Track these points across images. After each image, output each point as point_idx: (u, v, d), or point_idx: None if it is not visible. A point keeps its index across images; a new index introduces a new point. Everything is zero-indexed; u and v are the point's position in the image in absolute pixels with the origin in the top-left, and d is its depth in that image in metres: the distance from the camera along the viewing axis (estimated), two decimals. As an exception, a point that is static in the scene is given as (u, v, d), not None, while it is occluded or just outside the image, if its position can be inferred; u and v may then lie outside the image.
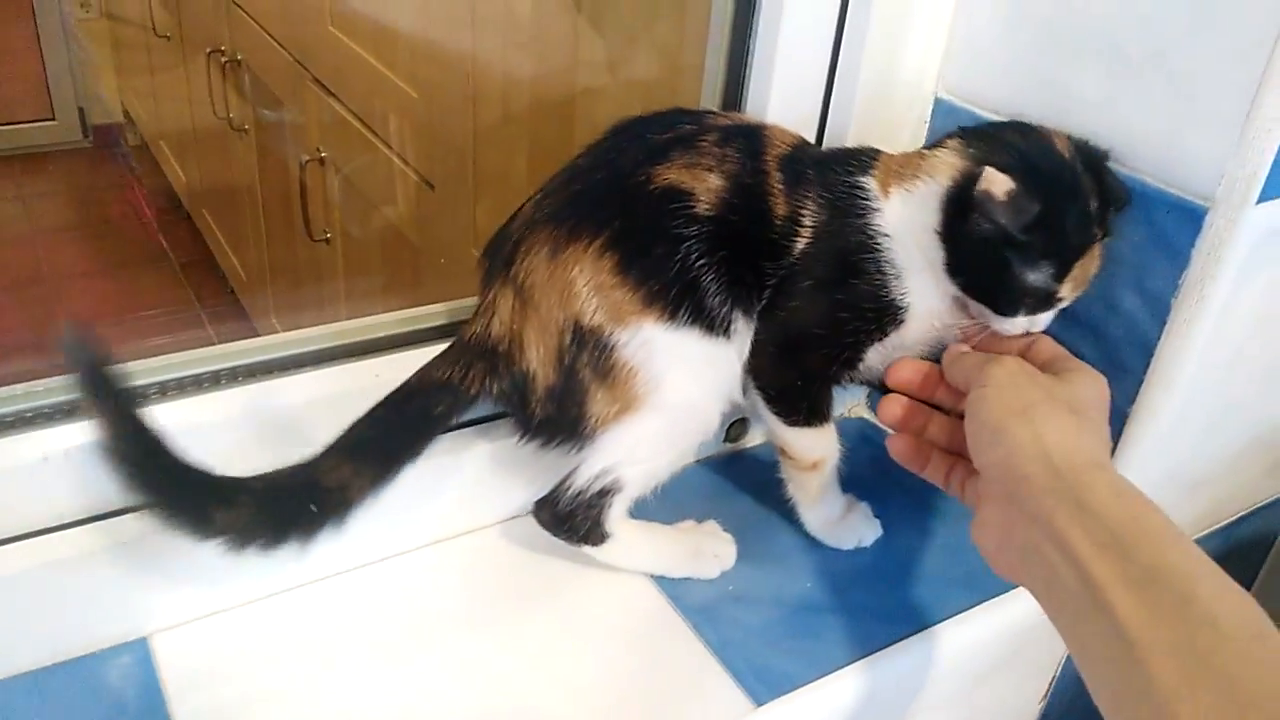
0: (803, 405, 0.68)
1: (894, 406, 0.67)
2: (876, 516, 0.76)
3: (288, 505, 0.59)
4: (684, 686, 0.63)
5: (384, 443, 0.62)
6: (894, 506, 0.77)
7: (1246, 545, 0.93)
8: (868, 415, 0.89)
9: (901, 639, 0.67)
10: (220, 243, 2.47)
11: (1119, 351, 0.67)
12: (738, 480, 0.81)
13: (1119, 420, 0.68)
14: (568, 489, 0.66)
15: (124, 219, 2.85)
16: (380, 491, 0.62)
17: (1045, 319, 0.63)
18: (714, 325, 0.64)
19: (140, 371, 0.65)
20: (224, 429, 0.64)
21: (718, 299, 0.63)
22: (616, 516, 0.68)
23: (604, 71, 1.07)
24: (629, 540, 0.69)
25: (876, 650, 0.66)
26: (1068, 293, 0.62)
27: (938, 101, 0.77)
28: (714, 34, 0.77)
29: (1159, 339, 0.65)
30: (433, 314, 0.75)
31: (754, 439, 0.85)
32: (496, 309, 0.65)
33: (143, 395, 0.65)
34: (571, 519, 0.67)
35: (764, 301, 0.66)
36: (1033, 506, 0.52)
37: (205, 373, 0.67)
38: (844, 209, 0.64)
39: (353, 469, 0.61)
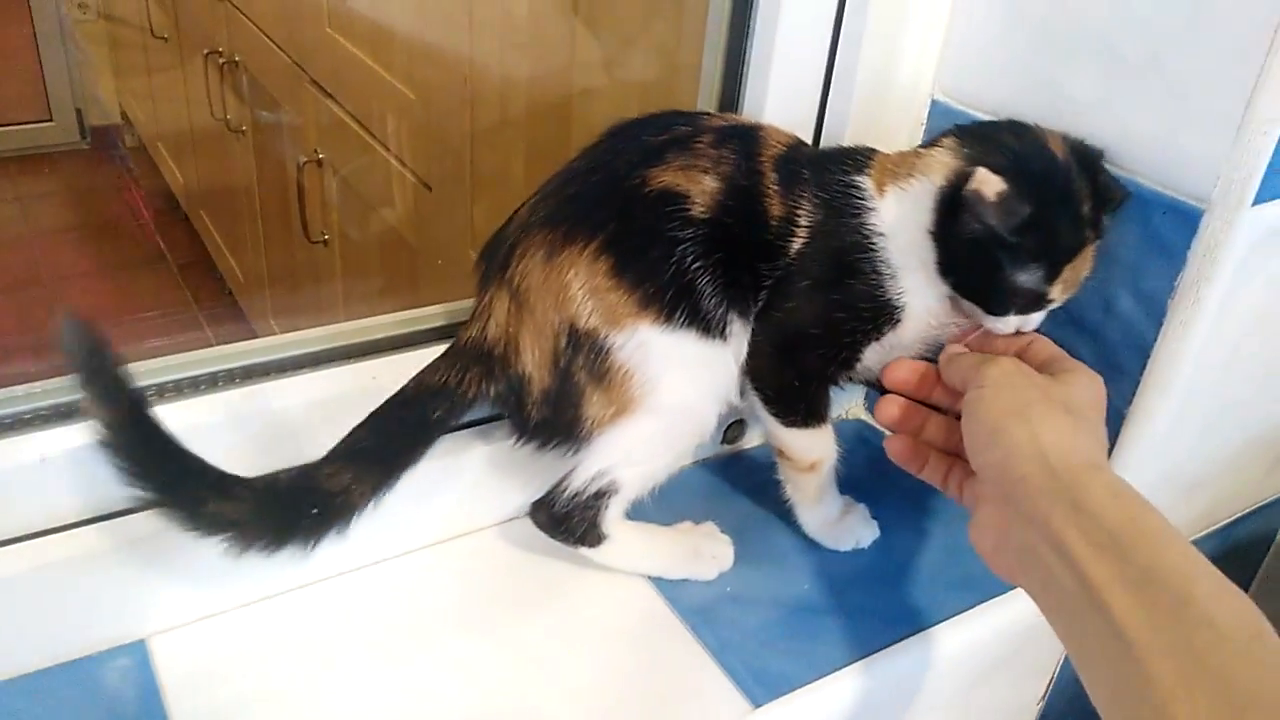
0: (800, 406, 0.68)
1: (891, 407, 0.67)
2: (874, 518, 0.76)
3: (288, 507, 0.59)
4: (682, 688, 0.64)
5: (383, 448, 0.62)
6: (892, 508, 0.77)
7: (1244, 546, 0.93)
8: (865, 417, 0.89)
9: (899, 640, 0.67)
10: (218, 244, 2.47)
11: (1115, 353, 0.67)
12: (735, 482, 0.81)
13: (1116, 421, 0.68)
14: (564, 491, 0.66)
15: (122, 220, 2.85)
16: (381, 497, 0.62)
17: (1036, 318, 0.64)
18: (710, 327, 0.64)
19: (139, 373, 0.65)
20: (222, 431, 0.64)
21: (713, 301, 0.63)
22: (613, 518, 0.68)
23: (601, 73, 1.07)
24: (626, 542, 0.69)
25: (874, 651, 0.66)
26: (1058, 294, 0.62)
27: (934, 103, 0.77)
28: (711, 36, 0.77)
29: (1155, 340, 0.65)
30: (430, 315, 0.75)
31: (752, 440, 0.85)
32: (492, 312, 0.65)
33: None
34: (568, 521, 0.67)
35: (761, 303, 0.66)
36: (1029, 507, 0.52)
37: (203, 374, 0.67)
38: (839, 209, 0.64)
39: (354, 474, 0.61)
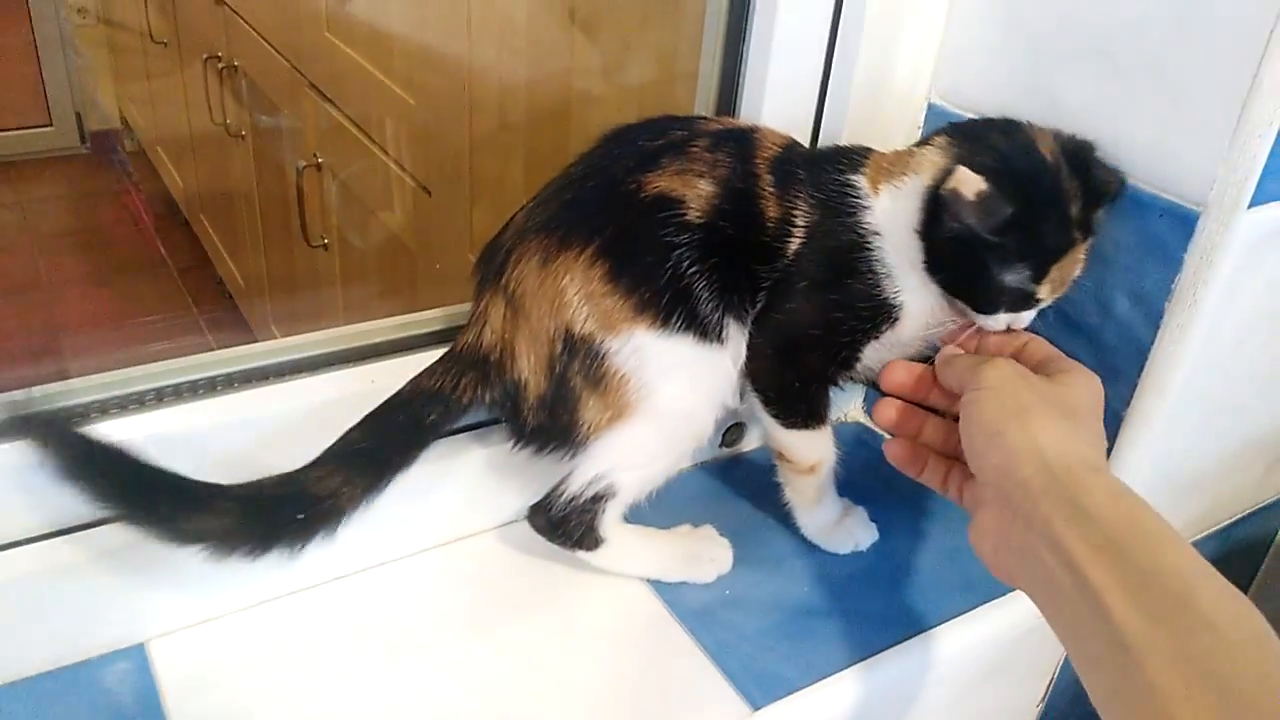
0: (801, 407, 0.69)
1: (889, 410, 0.67)
2: (873, 521, 0.76)
3: (272, 513, 0.59)
4: (680, 691, 0.64)
5: (375, 452, 0.63)
6: (890, 510, 0.77)
7: (1243, 547, 0.93)
8: (864, 420, 0.89)
9: (898, 642, 0.67)
10: (218, 248, 2.48)
11: (1113, 355, 0.67)
12: (734, 484, 0.81)
13: (1113, 423, 0.68)
14: (561, 494, 0.66)
15: (121, 225, 2.85)
16: (372, 500, 0.62)
17: (1028, 316, 0.64)
18: (707, 331, 0.64)
19: (138, 377, 0.66)
20: (222, 435, 0.64)
21: (710, 305, 0.63)
22: (610, 521, 0.68)
23: (599, 78, 1.07)
24: (624, 545, 0.69)
25: (873, 654, 0.66)
26: (1046, 294, 0.62)
27: (931, 106, 0.78)
28: (708, 41, 0.77)
29: (1152, 343, 0.66)
30: (429, 319, 0.75)
31: (750, 443, 0.85)
32: (488, 318, 0.65)
33: (137, 401, 0.65)
34: (565, 524, 0.67)
35: (758, 305, 0.66)
36: (1029, 511, 0.52)
37: (202, 379, 0.67)
38: (835, 208, 0.65)
39: (343, 478, 0.61)
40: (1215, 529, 0.87)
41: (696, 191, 0.63)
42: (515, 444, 0.67)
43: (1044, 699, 0.84)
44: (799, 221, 0.65)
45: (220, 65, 2.02)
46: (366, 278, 1.64)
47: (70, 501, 0.60)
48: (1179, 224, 0.62)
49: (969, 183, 0.58)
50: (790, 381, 0.68)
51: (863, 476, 0.78)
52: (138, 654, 0.62)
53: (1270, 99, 0.58)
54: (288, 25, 1.69)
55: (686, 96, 0.81)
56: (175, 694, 0.60)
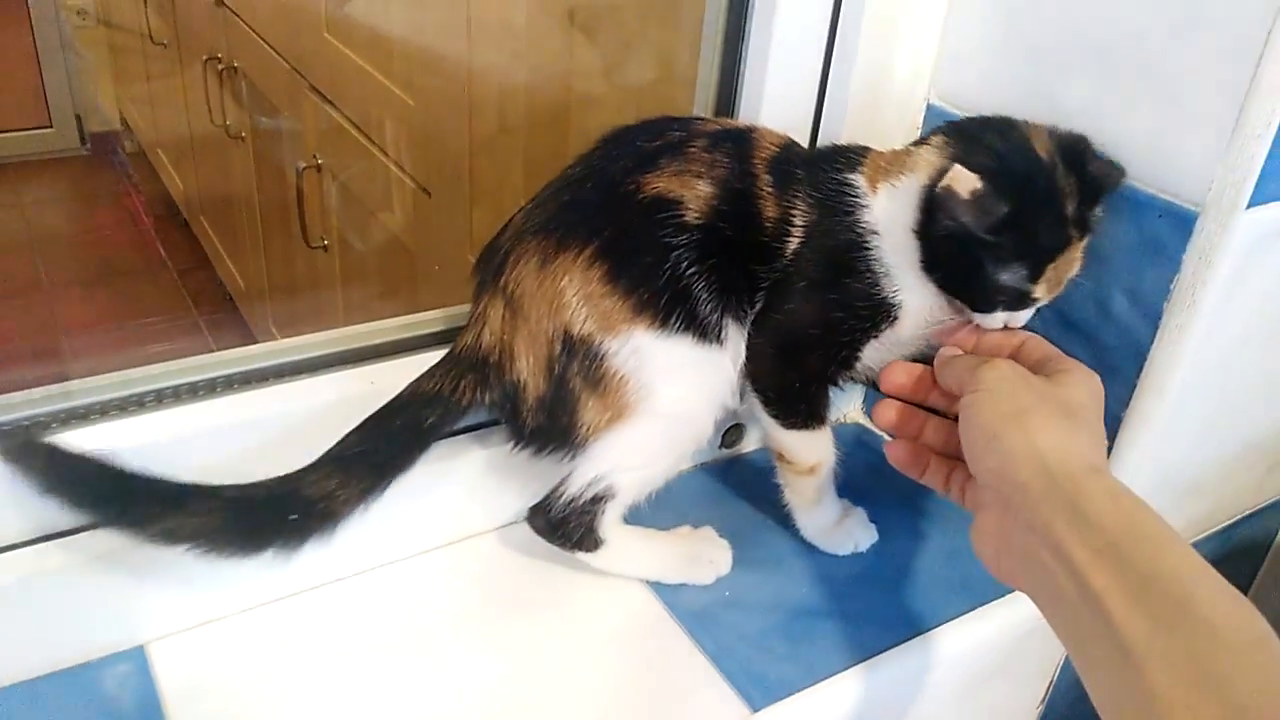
0: (801, 407, 0.69)
1: (888, 411, 0.67)
2: (872, 522, 0.76)
3: (263, 514, 0.59)
4: (680, 692, 0.64)
5: (373, 454, 0.63)
6: (890, 512, 0.77)
7: (1243, 549, 0.93)
8: (863, 421, 0.89)
9: (898, 644, 0.67)
10: (218, 250, 2.48)
11: (1111, 356, 0.67)
12: (734, 486, 0.81)
13: (1112, 425, 0.68)
14: (561, 496, 0.66)
15: (121, 227, 2.85)
16: (370, 502, 0.62)
17: (1024, 315, 0.64)
18: (706, 332, 0.64)
19: (138, 379, 0.66)
20: (222, 436, 0.64)
21: (709, 306, 0.63)
22: (610, 523, 0.68)
23: (598, 80, 1.07)
24: (623, 546, 0.69)
25: (873, 655, 0.66)
26: (1043, 293, 0.62)
27: (930, 108, 0.78)
28: (706, 43, 0.77)
29: (1151, 344, 0.66)
30: (429, 320, 0.75)
31: (750, 444, 0.85)
32: (487, 320, 0.65)
33: (137, 403, 0.65)
34: (565, 525, 0.67)
35: (758, 306, 0.66)
36: (1029, 514, 0.52)
37: (202, 380, 0.67)
38: (833, 207, 0.65)
39: (339, 481, 0.61)
40: (1215, 530, 0.87)
41: (695, 192, 0.63)
42: (515, 445, 0.67)
43: (1044, 700, 0.84)
44: (797, 221, 0.65)
45: (220, 67, 2.02)
46: (366, 279, 1.64)
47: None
48: (1178, 224, 0.62)
49: (964, 181, 0.58)
50: (790, 382, 0.68)
51: (862, 478, 0.78)
52: (137, 656, 0.62)
53: (1268, 99, 0.58)
54: (288, 27, 1.69)
55: (685, 98, 0.81)
56: (175, 696, 0.60)
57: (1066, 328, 0.69)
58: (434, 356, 0.67)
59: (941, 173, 0.60)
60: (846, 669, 0.65)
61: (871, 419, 0.71)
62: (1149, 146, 0.63)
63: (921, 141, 0.65)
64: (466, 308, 0.69)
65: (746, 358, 0.67)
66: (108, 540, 0.60)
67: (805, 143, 0.78)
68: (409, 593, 0.69)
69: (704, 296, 0.63)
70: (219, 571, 0.60)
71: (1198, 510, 0.83)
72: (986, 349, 0.64)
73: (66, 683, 0.60)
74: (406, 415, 0.64)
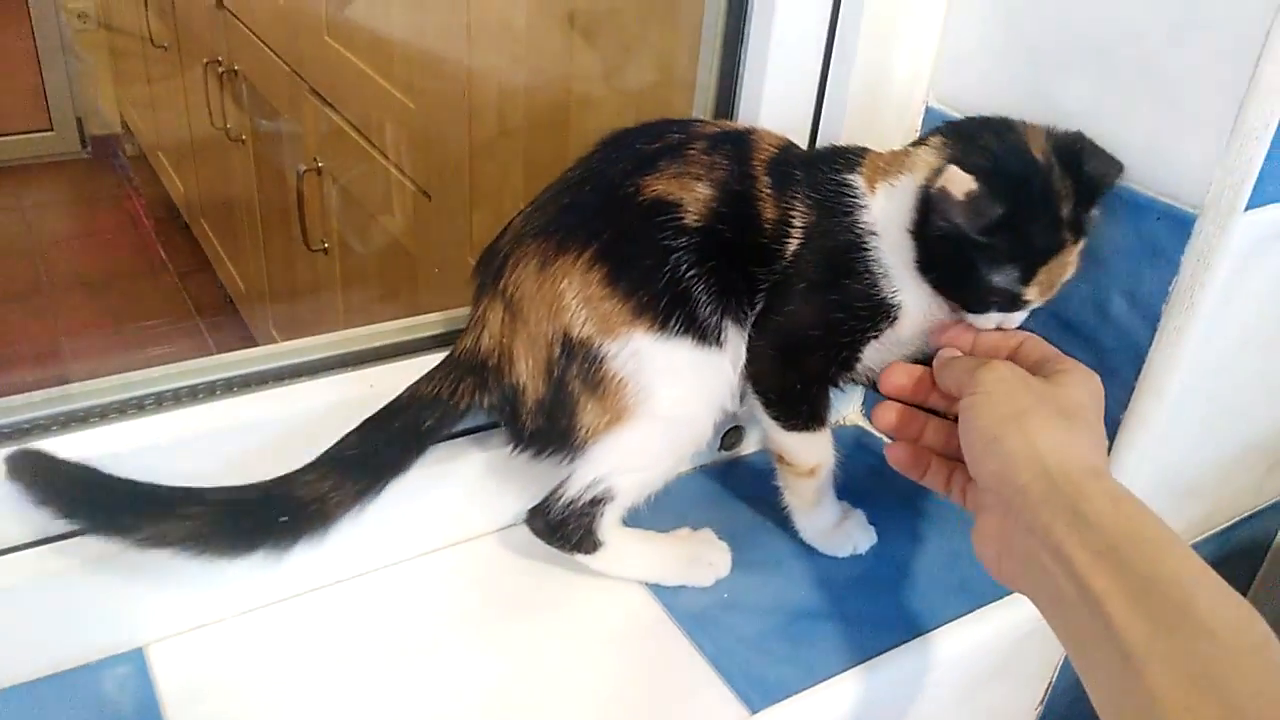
0: (802, 409, 0.69)
1: (888, 413, 0.67)
2: (871, 524, 0.76)
3: (253, 517, 0.60)
4: (679, 694, 0.64)
5: (369, 457, 0.63)
6: (888, 514, 0.77)
7: (1241, 550, 0.93)
8: (863, 423, 0.89)
9: (897, 645, 0.67)
10: (218, 253, 2.48)
11: (1110, 358, 0.67)
12: (733, 488, 0.81)
13: (1111, 426, 0.68)
14: (559, 498, 0.66)
15: (122, 230, 2.85)
16: (365, 505, 0.62)
17: (1018, 317, 0.64)
18: (706, 334, 0.64)
19: (138, 382, 0.66)
20: (222, 439, 0.64)
21: (708, 308, 0.64)
22: (609, 525, 0.68)
23: (598, 83, 1.07)
24: (622, 548, 0.69)
25: (872, 657, 0.66)
26: (1035, 296, 0.62)
27: (929, 110, 0.78)
28: (705, 45, 0.77)
29: (1150, 346, 0.66)
30: (429, 323, 0.75)
31: (749, 447, 0.85)
32: (486, 323, 0.65)
33: (137, 406, 0.65)
34: (563, 528, 0.67)
35: (758, 308, 0.66)
36: (1030, 518, 0.52)
37: (202, 383, 0.67)
38: (832, 208, 0.65)
39: (333, 483, 0.61)
40: (1214, 532, 0.87)
41: (694, 194, 0.63)
42: (514, 448, 0.67)
43: (1042, 702, 0.84)
44: (797, 222, 0.65)
45: (220, 69, 2.02)
46: (367, 282, 1.64)
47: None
48: (1176, 226, 0.62)
49: (958, 182, 0.58)
50: (792, 383, 0.68)
51: (862, 480, 0.78)
52: (137, 658, 0.62)
53: (1267, 101, 0.58)
54: (288, 29, 1.70)
55: (685, 101, 0.81)
56: (174, 699, 0.60)
57: (1065, 330, 0.69)
58: (434, 359, 0.67)
59: (938, 173, 0.60)
60: (845, 671, 0.65)
61: (871, 421, 0.71)
62: (1148, 148, 0.63)
63: (920, 142, 0.65)
64: (467, 310, 0.69)
65: (747, 359, 0.67)
66: (105, 543, 0.60)
67: (804, 145, 0.78)
68: (408, 595, 0.69)
69: (703, 299, 0.63)
70: (218, 574, 0.60)
71: (1196, 512, 0.83)
72: (984, 350, 0.64)
73: (66, 685, 0.60)
74: (405, 418, 0.64)
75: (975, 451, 0.57)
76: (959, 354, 0.65)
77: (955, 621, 0.70)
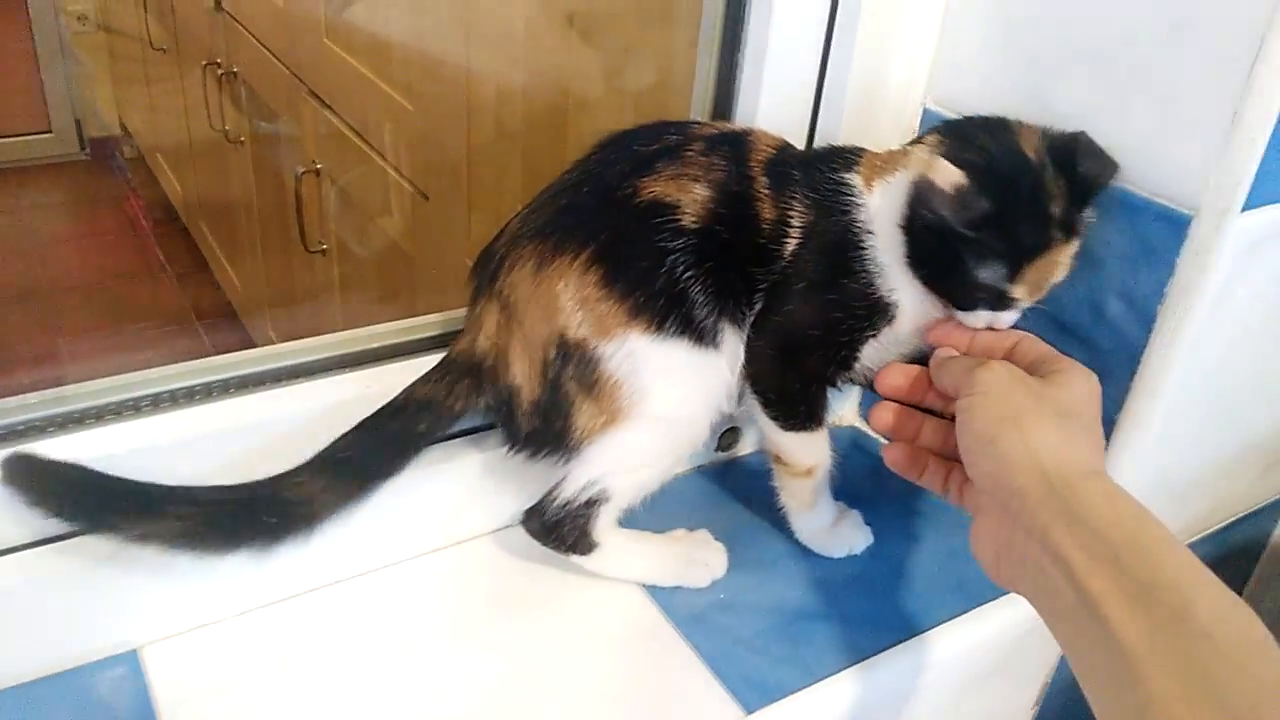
0: (801, 409, 0.69)
1: (885, 414, 0.67)
2: (867, 524, 0.76)
3: (239, 516, 0.60)
4: (675, 694, 0.64)
5: (362, 459, 0.63)
6: (884, 514, 0.77)
7: (1237, 551, 0.93)
8: (859, 424, 0.89)
9: (892, 646, 0.67)
10: (216, 254, 2.48)
11: (1106, 359, 0.67)
12: (729, 488, 0.81)
13: (1106, 427, 0.68)
14: (555, 499, 0.66)
15: (121, 231, 2.85)
16: (356, 506, 0.63)
17: (1008, 317, 0.63)
18: (703, 336, 0.64)
19: (136, 383, 0.66)
20: (220, 440, 0.64)
21: (705, 310, 0.64)
22: (604, 526, 0.68)
23: (596, 85, 1.07)
24: (618, 549, 0.69)
25: (867, 657, 0.66)
26: (1022, 294, 0.62)
27: (926, 113, 0.78)
28: (703, 48, 0.78)
29: (1145, 346, 0.66)
30: (427, 324, 0.75)
31: (746, 447, 0.85)
32: (482, 325, 0.65)
33: (135, 407, 0.65)
34: (559, 528, 0.67)
35: (756, 309, 0.66)
36: (1027, 520, 0.52)
37: (200, 384, 0.67)
38: (830, 207, 0.65)
39: (323, 484, 0.61)
40: (1209, 532, 0.87)
41: (692, 196, 0.63)
42: (510, 449, 0.67)
43: (1038, 702, 0.84)
44: (795, 222, 0.65)
45: (219, 72, 2.02)
46: (365, 283, 1.64)
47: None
48: (1172, 228, 0.63)
49: (945, 173, 0.58)
50: (791, 383, 0.68)
51: (857, 481, 0.78)
52: (131, 660, 0.62)
53: (1263, 103, 0.58)
54: (287, 32, 1.70)
55: (682, 103, 0.81)
56: (169, 700, 0.60)
57: (1060, 331, 0.69)
58: (432, 360, 0.68)
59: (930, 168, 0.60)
60: (841, 671, 0.65)
61: (868, 422, 0.71)
62: (1144, 150, 0.63)
63: (917, 141, 0.65)
64: (464, 312, 0.69)
65: (747, 359, 0.67)
66: (102, 545, 0.60)
67: (802, 146, 0.78)
68: (405, 596, 0.69)
69: (700, 300, 0.63)
70: (214, 575, 0.60)
71: (1192, 513, 0.83)
72: (980, 349, 0.64)
73: (60, 686, 0.60)
74: (400, 421, 0.64)
75: (972, 453, 0.57)
76: (955, 353, 0.65)
77: (951, 622, 0.70)
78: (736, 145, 0.66)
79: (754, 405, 0.69)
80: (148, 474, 0.59)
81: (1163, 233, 0.63)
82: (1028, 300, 0.62)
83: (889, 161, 0.65)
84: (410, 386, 0.65)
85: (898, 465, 0.66)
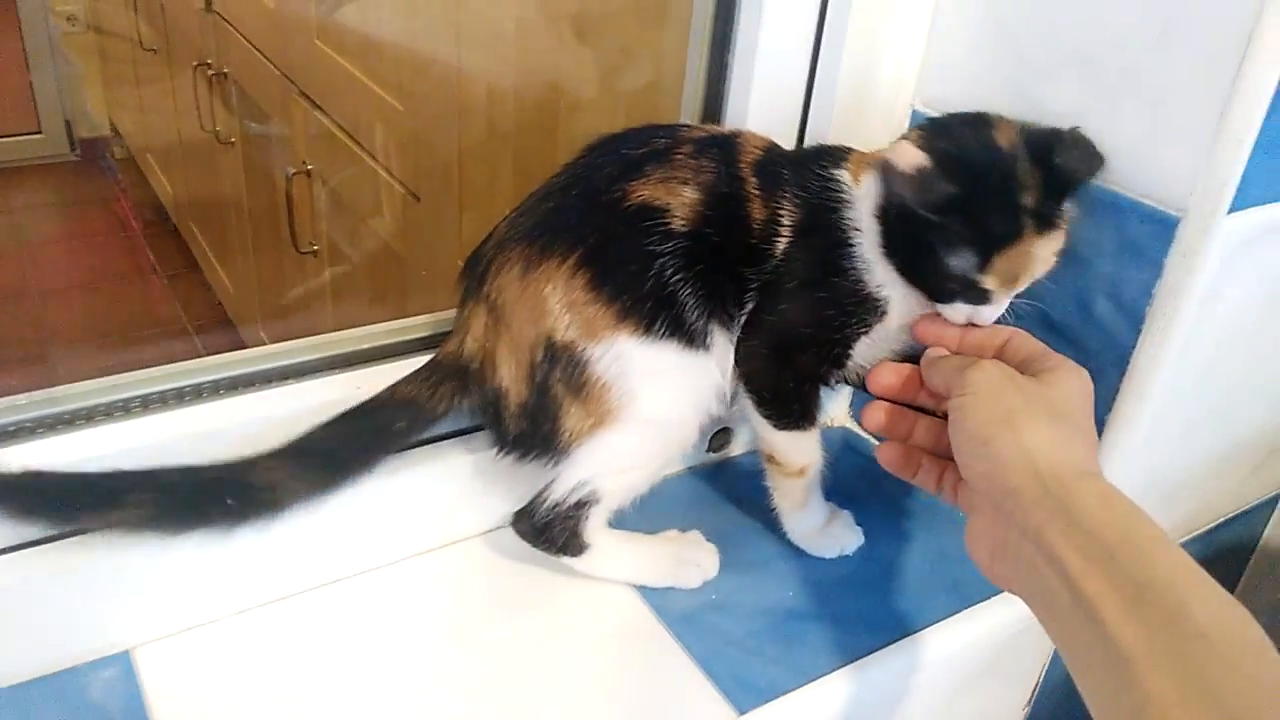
0: (795, 407, 0.69)
1: (877, 413, 0.67)
2: (858, 524, 0.76)
3: (197, 498, 0.60)
4: (667, 695, 0.64)
5: (333, 452, 0.63)
6: (876, 515, 0.77)
7: (1227, 551, 0.93)
8: (850, 425, 0.90)
9: (884, 646, 0.68)
10: (207, 255, 2.47)
11: (1095, 360, 0.67)
12: (721, 489, 0.81)
13: (1097, 428, 0.68)
14: (545, 501, 0.66)
15: (111, 232, 2.84)
16: (322, 498, 0.62)
17: (988, 313, 0.63)
18: (692, 338, 0.64)
19: (126, 384, 0.66)
20: (210, 441, 0.64)
21: (695, 312, 0.64)
22: (595, 528, 0.68)
23: (587, 86, 1.08)
24: (608, 551, 0.69)
25: (859, 657, 0.66)
26: (994, 286, 0.61)
27: (915, 114, 0.78)
28: (693, 50, 0.78)
29: (1134, 347, 0.66)
30: (417, 325, 0.75)
31: (737, 448, 0.85)
32: (470, 328, 0.65)
33: (124, 409, 0.65)
34: (549, 530, 0.67)
35: (746, 310, 0.66)
36: (1022, 520, 0.52)
37: (190, 385, 0.67)
38: (820, 204, 0.65)
39: (289, 472, 0.61)
40: (1199, 532, 0.87)
41: (681, 199, 0.63)
42: (499, 451, 0.67)
43: (1030, 701, 0.84)
44: (786, 221, 0.65)
45: (210, 72, 2.01)
46: (355, 284, 1.64)
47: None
48: (1159, 229, 0.63)
49: (905, 155, 0.58)
50: (785, 381, 0.68)
51: (849, 481, 0.78)
52: (123, 661, 0.62)
53: (1249, 105, 0.58)
54: (277, 32, 1.69)
55: (672, 104, 0.82)
56: (160, 701, 0.60)
57: (1049, 331, 0.69)
58: (421, 361, 0.68)
59: None
60: (833, 671, 0.65)
61: (860, 422, 0.71)
62: (1132, 152, 0.64)
63: (901, 138, 0.65)
64: (454, 313, 0.69)
65: (740, 359, 0.67)
66: (91, 546, 0.60)
67: (791, 148, 0.78)
68: (396, 597, 0.69)
69: (690, 303, 0.63)
70: (206, 576, 0.60)
71: (1182, 513, 0.84)
72: (970, 347, 0.64)
73: (52, 688, 0.60)
74: (378, 418, 0.64)
75: (965, 453, 0.57)
76: (945, 353, 0.64)
77: (943, 621, 0.70)
78: (725, 147, 0.66)
79: (747, 405, 0.69)
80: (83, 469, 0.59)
81: (1150, 234, 0.63)
82: (1002, 293, 0.62)
83: (875, 158, 0.65)
84: (393, 385, 0.66)
85: (891, 465, 0.66)
